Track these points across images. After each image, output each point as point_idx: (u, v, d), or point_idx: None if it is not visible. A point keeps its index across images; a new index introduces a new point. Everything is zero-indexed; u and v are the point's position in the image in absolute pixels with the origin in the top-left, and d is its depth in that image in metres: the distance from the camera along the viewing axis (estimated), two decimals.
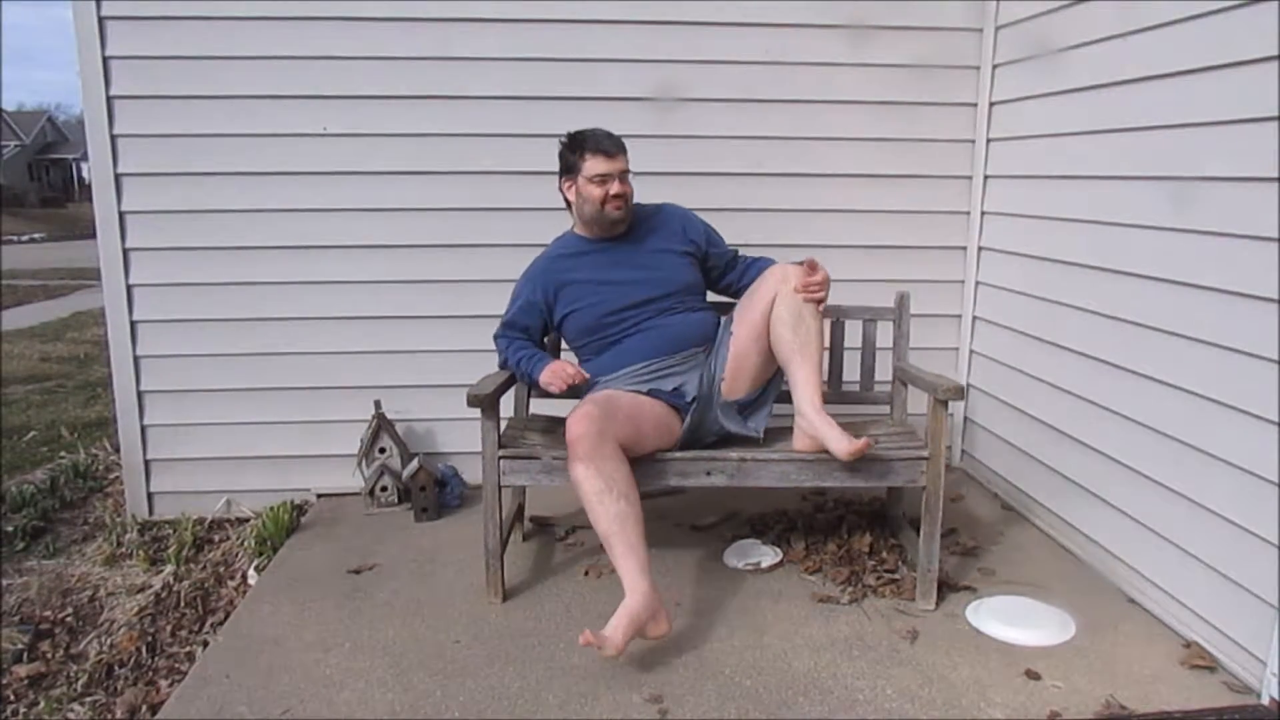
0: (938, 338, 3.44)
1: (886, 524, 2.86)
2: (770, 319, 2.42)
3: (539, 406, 2.84)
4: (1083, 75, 2.66)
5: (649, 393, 2.48)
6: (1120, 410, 2.51)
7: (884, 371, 2.81)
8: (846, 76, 3.21)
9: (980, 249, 3.34)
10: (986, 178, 3.27)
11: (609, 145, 2.50)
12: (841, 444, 2.27)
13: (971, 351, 3.42)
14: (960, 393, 2.37)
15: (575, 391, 2.53)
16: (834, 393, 2.84)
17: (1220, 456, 2.14)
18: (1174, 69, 2.27)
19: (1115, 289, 2.53)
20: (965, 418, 3.50)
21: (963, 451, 3.54)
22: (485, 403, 2.36)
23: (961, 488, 3.32)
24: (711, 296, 2.76)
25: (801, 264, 2.42)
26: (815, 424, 2.33)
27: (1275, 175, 1.95)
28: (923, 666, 2.14)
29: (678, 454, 2.42)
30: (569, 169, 2.56)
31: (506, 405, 2.69)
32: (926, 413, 2.42)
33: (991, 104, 3.21)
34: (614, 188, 2.49)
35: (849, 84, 3.22)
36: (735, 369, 2.50)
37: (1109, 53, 2.53)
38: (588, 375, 2.53)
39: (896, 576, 2.55)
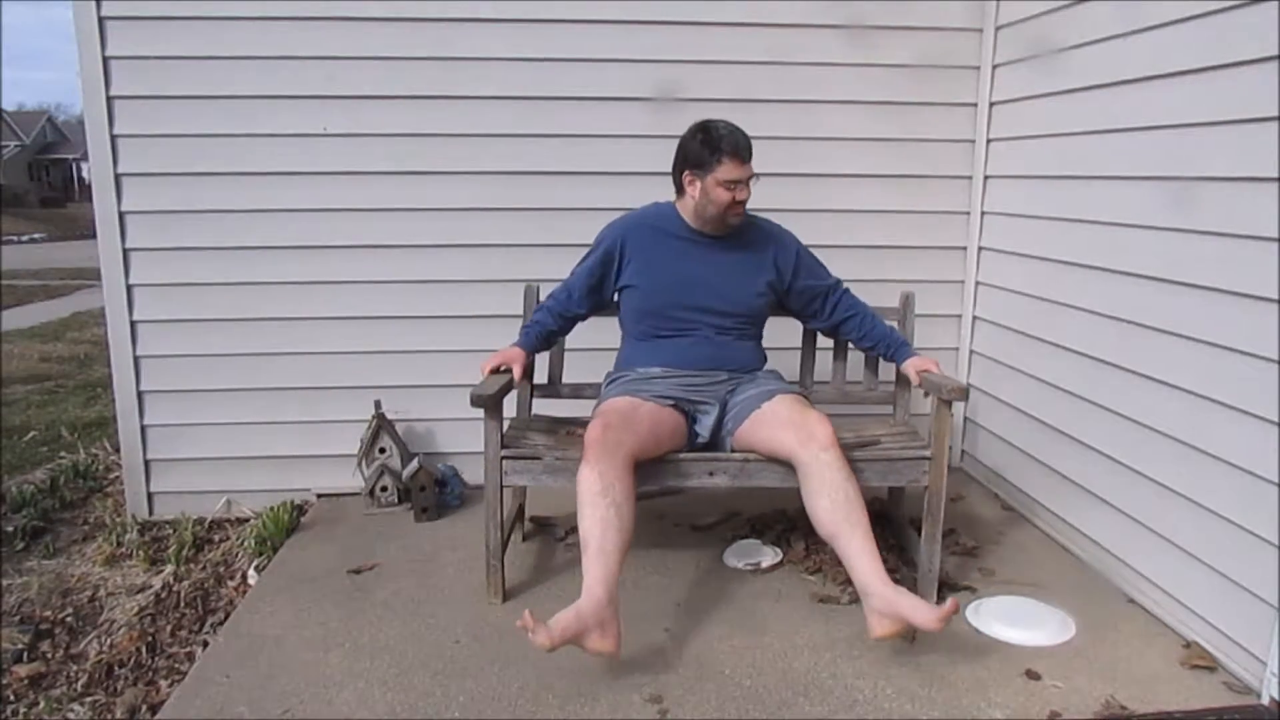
0: (938, 338, 3.43)
1: (887, 524, 2.85)
2: (801, 488, 2.28)
3: (541, 407, 2.84)
4: (1083, 75, 2.66)
5: (673, 403, 2.46)
6: (1120, 410, 2.51)
7: (886, 371, 2.81)
8: (846, 76, 3.21)
9: (980, 249, 3.34)
10: (986, 178, 3.27)
11: (746, 151, 2.41)
12: (929, 614, 2.01)
13: (971, 351, 3.42)
14: (965, 393, 2.35)
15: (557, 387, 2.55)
16: (837, 393, 2.85)
17: (1220, 456, 2.14)
18: (1174, 69, 2.27)
19: (1115, 289, 2.53)
20: (965, 418, 3.50)
21: (963, 451, 3.54)
22: (489, 403, 2.35)
23: (962, 488, 3.32)
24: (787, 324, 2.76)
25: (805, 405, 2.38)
26: (891, 601, 2.06)
27: (1275, 175, 1.95)
28: (923, 666, 2.14)
29: (681, 455, 2.43)
30: (698, 164, 2.43)
31: (509, 406, 2.70)
32: (930, 413, 2.41)
33: (991, 104, 3.20)
34: (741, 194, 2.44)
35: (849, 84, 3.22)
36: (744, 444, 2.46)
37: (1109, 53, 2.53)
38: (516, 376, 2.49)
39: (897, 577, 2.53)
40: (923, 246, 3.37)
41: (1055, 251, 2.83)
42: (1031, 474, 3.02)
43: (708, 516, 3.01)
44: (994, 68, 3.18)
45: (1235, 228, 2.08)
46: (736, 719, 1.95)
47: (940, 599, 2.42)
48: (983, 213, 3.31)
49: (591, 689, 2.04)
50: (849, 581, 2.51)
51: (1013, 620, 2.32)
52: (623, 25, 3.13)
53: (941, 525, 2.38)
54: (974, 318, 3.39)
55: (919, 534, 2.43)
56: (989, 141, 3.24)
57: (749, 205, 2.50)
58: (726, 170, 2.40)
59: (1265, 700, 1.98)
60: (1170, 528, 2.33)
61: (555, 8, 3.09)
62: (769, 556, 2.69)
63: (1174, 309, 2.29)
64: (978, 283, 3.36)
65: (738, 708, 1.98)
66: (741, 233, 2.58)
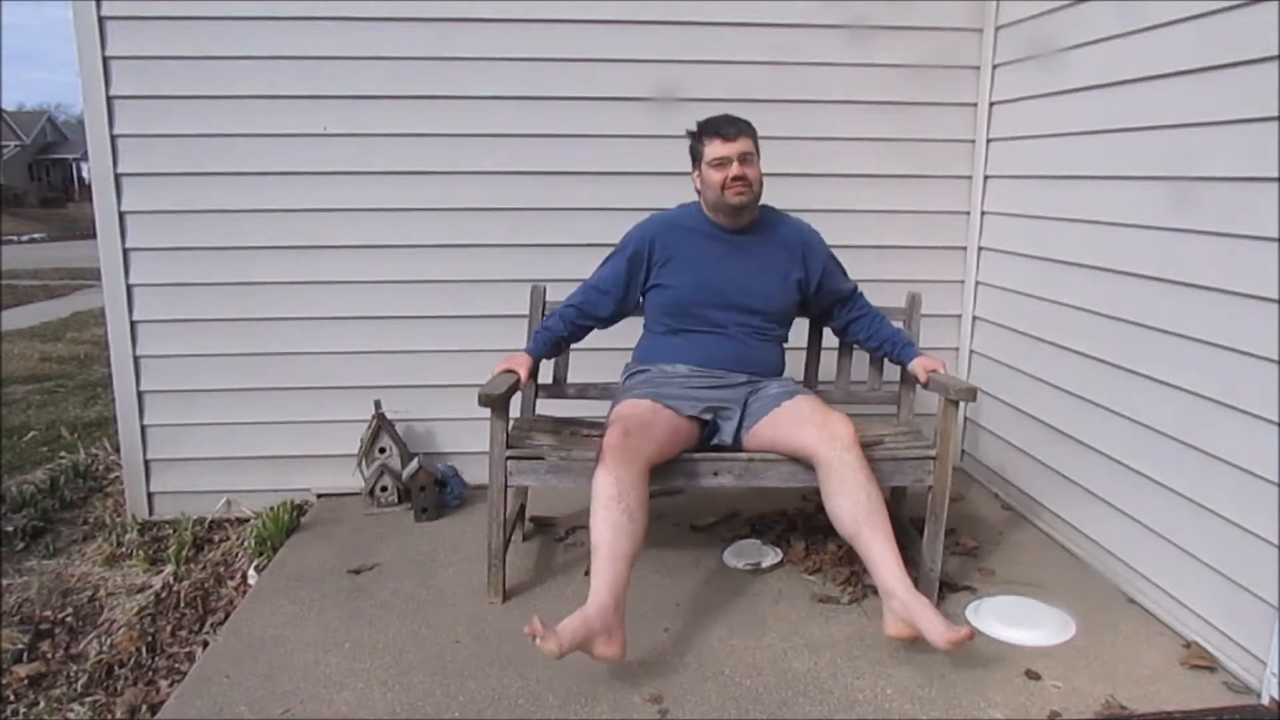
0: (938, 338, 3.43)
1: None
2: (820, 487, 2.27)
3: (547, 407, 2.84)
4: (1082, 75, 2.66)
5: (697, 413, 2.44)
6: (1120, 410, 2.51)
7: (890, 371, 2.80)
8: (846, 76, 3.21)
9: (980, 249, 3.34)
10: (986, 178, 3.27)
11: (727, 128, 2.43)
12: (942, 634, 2.00)
13: (971, 351, 3.42)
14: (973, 394, 2.36)
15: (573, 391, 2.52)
16: (842, 392, 2.85)
17: (1220, 456, 2.14)
18: (1174, 69, 2.27)
19: (1115, 289, 2.53)
20: (966, 418, 3.50)
21: (964, 451, 3.54)
22: (496, 403, 2.33)
23: (962, 488, 3.32)
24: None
25: (830, 412, 2.34)
26: (911, 607, 2.07)
27: (1275, 175, 1.95)
28: (923, 666, 2.14)
29: (685, 454, 2.42)
30: (695, 155, 2.51)
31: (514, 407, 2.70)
32: (936, 413, 2.41)
33: (991, 104, 3.20)
34: (733, 170, 2.42)
35: (849, 84, 3.22)
36: (759, 442, 2.45)
37: (1109, 53, 2.53)
38: (522, 379, 2.47)
39: None
40: (923, 246, 3.37)
41: (1055, 251, 2.83)
42: (1032, 474, 3.02)
43: (708, 516, 3.01)
44: (994, 68, 3.18)
45: (1235, 228, 2.08)
46: (736, 719, 1.95)
47: (941, 598, 2.43)
48: (983, 213, 3.31)
49: (591, 689, 2.04)
50: (848, 582, 2.53)
51: (1013, 620, 2.32)
52: (622, 25, 3.12)
53: (944, 525, 2.38)
54: (974, 318, 3.39)
55: (919, 533, 2.43)
56: (989, 141, 3.24)
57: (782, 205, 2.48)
58: (712, 150, 2.44)
59: (1265, 700, 1.98)
60: (1170, 528, 2.33)
61: (555, 8, 3.09)
62: (769, 556, 2.69)
63: (1174, 309, 2.29)
64: (978, 283, 3.36)
65: (738, 708, 1.98)
66: (770, 226, 2.59)
